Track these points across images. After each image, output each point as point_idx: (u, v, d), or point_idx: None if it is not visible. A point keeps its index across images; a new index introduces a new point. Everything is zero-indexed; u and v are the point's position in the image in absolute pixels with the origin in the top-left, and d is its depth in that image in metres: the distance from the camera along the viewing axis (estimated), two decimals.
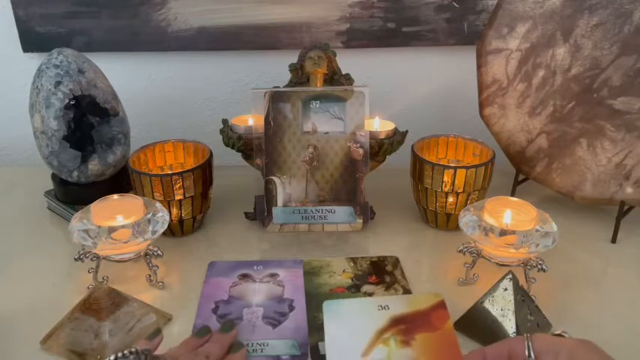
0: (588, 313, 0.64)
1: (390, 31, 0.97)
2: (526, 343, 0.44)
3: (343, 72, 0.81)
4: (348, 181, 0.77)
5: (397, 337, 0.55)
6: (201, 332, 0.57)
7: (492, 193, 0.76)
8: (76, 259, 0.66)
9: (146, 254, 0.68)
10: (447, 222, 0.79)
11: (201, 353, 0.53)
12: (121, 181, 0.84)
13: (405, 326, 0.56)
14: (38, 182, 0.89)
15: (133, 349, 0.46)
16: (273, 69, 1.01)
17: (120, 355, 0.46)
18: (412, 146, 0.80)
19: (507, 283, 0.59)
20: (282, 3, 0.95)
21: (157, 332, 0.54)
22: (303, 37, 0.97)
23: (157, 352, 0.51)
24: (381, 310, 0.58)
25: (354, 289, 0.67)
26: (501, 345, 0.46)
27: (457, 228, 0.70)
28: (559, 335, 0.47)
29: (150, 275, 0.68)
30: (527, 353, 0.44)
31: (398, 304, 0.59)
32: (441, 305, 0.59)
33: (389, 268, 0.71)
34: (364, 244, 0.77)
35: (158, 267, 0.68)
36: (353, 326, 0.56)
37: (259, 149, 0.77)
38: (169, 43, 0.97)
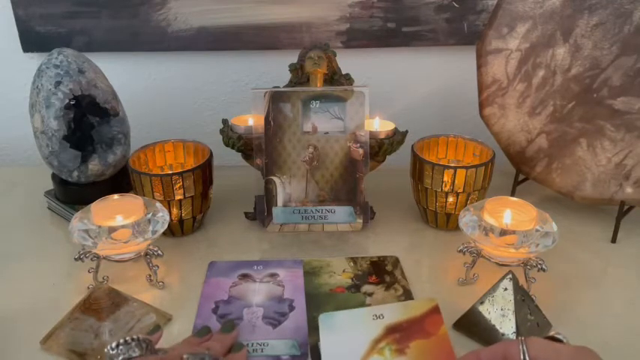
0: (588, 313, 0.64)
1: (390, 31, 0.97)
2: (520, 347, 0.44)
3: (343, 72, 0.81)
4: (348, 181, 0.77)
5: (392, 346, 0.55)
6: (202, 332, 0.57)
7: (492, 193, 0.76)
8: (76, 259, 0.66)
9: (146, 254, 0.68)
10: (447, 222, 0.79)
11: (202, 347, 0.53)
12: (121, 181, 0.84)
13: (399, 334, 0.57)
14: (38, 182, 0.89)
15: (134, 337, 0.46)
16: (273, 69, 1.01)
17: (122, 341, 0.46)
18: (412, 146, 0.80)
19: (507, 283, 0.58)
20: (282, 3, 0.95)
21: (157, 328, 0.54)
22: (303, 37, 0.97)
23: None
24: (375, 320, 0.58)
25: (354, 289, 0.67)
26: (496, 347, 0.46)
27: (457, 228, 0.70)
28: (552, 337, 0.46)
29: (150, 275, 0.68)
30: (522, 358, 0.43)
31: (393, 312, 0.59)
32: (435, 310, 0.59)
33: (389, 268, 0.71)
34: (364, 244, 0.77)
35: (158, 267, 0.68)
36: (348, 338, 0.57)
37: (259, 149, 0.76)
38: (169, 43, 0.97)
